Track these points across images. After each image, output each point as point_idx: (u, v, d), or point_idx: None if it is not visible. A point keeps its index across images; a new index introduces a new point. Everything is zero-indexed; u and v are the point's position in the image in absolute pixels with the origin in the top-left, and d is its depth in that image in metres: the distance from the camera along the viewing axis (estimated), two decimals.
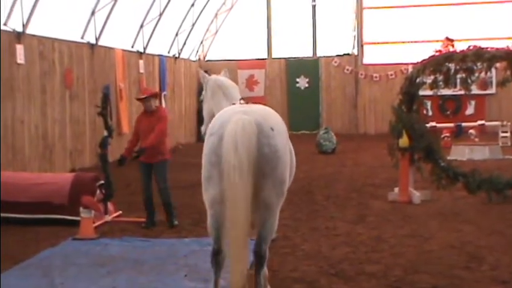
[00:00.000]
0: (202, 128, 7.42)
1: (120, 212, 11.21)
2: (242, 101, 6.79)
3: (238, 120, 5.76)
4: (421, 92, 12.61)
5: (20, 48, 14.35)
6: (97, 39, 18.28)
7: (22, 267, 8.29)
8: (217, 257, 6.10)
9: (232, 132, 5.68)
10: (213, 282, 6.23)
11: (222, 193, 5.73)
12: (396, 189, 12.41)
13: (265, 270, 6.29)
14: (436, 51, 12.14)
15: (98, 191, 10.80)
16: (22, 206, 10.83)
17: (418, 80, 12.25)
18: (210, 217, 6.01)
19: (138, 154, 10.38)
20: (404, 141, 12.07)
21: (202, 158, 6.05)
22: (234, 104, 6.63)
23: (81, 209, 9.90)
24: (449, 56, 11.92)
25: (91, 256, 8.74)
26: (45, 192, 10.92)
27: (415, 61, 12.90)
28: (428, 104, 13.07)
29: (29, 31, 14.69)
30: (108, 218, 10.92)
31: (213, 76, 7.40)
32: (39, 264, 8.39)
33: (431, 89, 12.31)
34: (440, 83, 12.11)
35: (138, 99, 10.82)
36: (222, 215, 5.83)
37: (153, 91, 10.81)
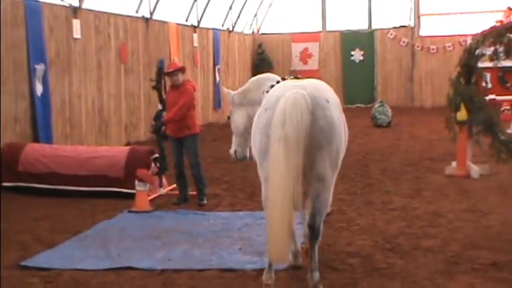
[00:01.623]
0: (232, 150, 8.14)
1: (174, 185, 11.28)
2: (289, 76, 6.90)
3: (290, 94, 5.80)
4: (480, 64, 12.32)
5: (76, 23, 14.47)
6: (151, 14, 18.34)
7: (80, 238, 8.43)
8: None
9: (282, 106, 5.73)
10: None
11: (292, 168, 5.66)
12: (454, 163, 12.21)
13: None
14: (497, 22, 11.84)
15: (153, 165, 10.87)
16: (79, 179, 11.01)
17: (477, 52, 11.96)
18: (265, 191, 6.08)
19: (154, 129, 10.40)
20: (462, 114, 11.84)
21: (257, 133, 6.18)
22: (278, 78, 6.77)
23: (136, 182, 9.98)
24: (511, 27, 11.61)
25: (146, 228, 8.82)
26: (101, 165, 11.06)
27: (474, 32, 12.61)
28: (488, 76, 12.78)
29: (85, 6, 14.80)
30: (163, 191, 11.00)
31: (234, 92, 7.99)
32: (97, 235, 8.51)
33: (491, 60, 12.00)
34: (501, 54, 11.80)
35: (166, 74, 10.74)
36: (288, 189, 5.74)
37: (179, 65, 10.73)
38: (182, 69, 10.55)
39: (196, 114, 10.78)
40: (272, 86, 7.03)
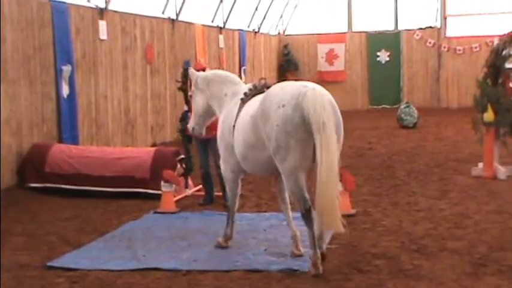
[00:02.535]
0: (190, 125, 8.65)
1: (200, 186, 11.30)
2: (263, 80, 7.78)
3: (314, 89, 6.71)
4: (507, 65, 12.21)
5: (102, 25, 14.57)
6: (177, 15, 18.42)
7: (106, 239, 8.47)
8: (310, 214, 6.76)
9: (316, 97, 6.60)
10: (312, 238, 6.79)
11: (304, 157, 6.66)
12: (480, 165, 12.11)
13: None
14: None
15: (179, 166, 10.90)
16: (106, 179, 11.07)
17: (504, 53, 11.88)
18: (293, 184, 6.78)
19: (180, 129, 10.40)
20: (489, 115, 11.75)
21: (271, 131, 6.74)
22: (254, 84, 7.72)
23: (162, 183, 10.01)
24: None
25: (172, 229, 8.85)
26: (127, 166, 11.12)
27: (500, 33, 12.52)
28: None
29: (111, 7, 14.89)
30: (188, 192, 11.03)
31: (202, 73, 8.44)
32: (122, 236, 8.55)
33: None
34: None
35: None
36: (302, 179, 6.78)
37: (204, 66, 10.72)
38: (204, 70, 10.53)
39: None
40: (245, 94, 7.60)
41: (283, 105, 6.67)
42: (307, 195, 6.81)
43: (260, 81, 7.80)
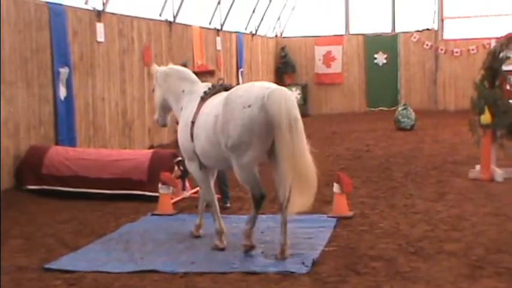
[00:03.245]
0: (155, 117, 9.18)
1: (197, 188, 11.29)
2: (221, 80, 8.61)
3: (278, 89, 7.30)
4: (505, 67, 12.23)
5: (100, 27, 14.57)
6: (175, 17, 18.42)
7: (103, 241, 8.47)
8: (263, 200, 7.60)
9: (281, 96, 7.17)
10: (253, 222, 7.65)
11: (261, 152, 7.38)
12: (478, 167, 12.13)
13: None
14: None
15: (176, 168, 10.90)
16: (103, 182, 11.08)
17: (501, 55, 11.90)
18: (249, 173, 7.47)
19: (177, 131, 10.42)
20: (486, 117, 11.77)
21: (235, 129, 7.27)
22: (213, 83, 8.34)
23: (159, 185, 10.02)
24: None
25: (169, 231, 8.85)
26: (125, 168, 11.13)
27: (498, 35, 12.54)
28: None
29: (108, 9, 14.89)
30: (186, 194, 11.04)
31: (162, 67, 8.90)
32: (120, 238, 8.55)
33: None
34: None
35: (195, 74, 10.71)
36: (256, 169, 7.52)
37: (208, 68, 10.76)
38: (211, 72, 10.54)
39: None
40: (205, 93, 8.12)
41: (249, 106, 7.23)
42: (261, 182, 7.52)
43: (218, 82, 8.47)
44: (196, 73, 10.51)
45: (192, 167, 8.34)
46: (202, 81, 10.25)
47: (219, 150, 7.60)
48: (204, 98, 8.07)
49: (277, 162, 7.28)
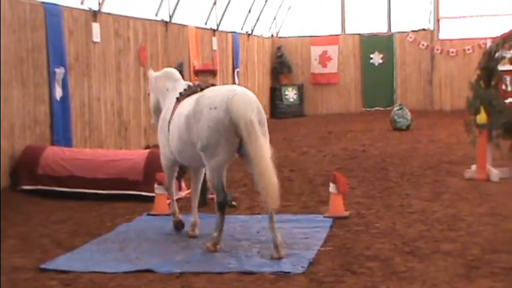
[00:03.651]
0: (152, 121, 9.45)
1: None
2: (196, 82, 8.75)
3: (242, 92, 7.63)
4: (500, 67, 12.25)
5: (96, 27, 14.54)
6: (171, 17, 18.40)
7: (99, 241, 8.46)
8: (225, 206, 7.84)
9: (244, 99, 7.50)
10: (221, 226, 7.81)
11: (229, 154, 7.63)
12: (473, 167, 12.14)
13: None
14: None
15: None
16: (99, 182, 11.07)
17: (497, 55, 11.92)
18: (216, 177, 7.72)
19: None
20: (482, 117, 11.78)
21: (202, 130, 7.57)
22: (189, 84, 8.66)
23: (155, 185, 10.00)
24: None
25: (165, 231, 8.85)
26: (120, 168, 11.13)
27: (493, 35, 12.55)
28: (508, 79, 12.70)
29: (104, 10, 14.87)
30: (181, 194, 11.02)
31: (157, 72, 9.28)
32: (115, 238, 8.55)
33: (511, 63, 11.96)
34: None
35: (195, 72, 10.74)
36: (224, 173, 7.78)
37: (212, 67, 10.75)
38: (213, 72, 10.51)
39: None
40: (181, 93, 8.44)
41: (215, 108, 7.51)
42: (225, 188, 7.78)
43: (194, 82, 8.65)
44: (197, 71, 10.54)
45: (164, 162, 8.78)
46: (202, 82, 10.26)
47: (192, 149, 7.91)
48: (180, 98, 8.39)
49: (247, 161, 7.61)
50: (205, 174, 10.33)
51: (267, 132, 7.82)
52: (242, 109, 7.40)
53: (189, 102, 8.05)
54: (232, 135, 7.49)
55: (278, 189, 7.36)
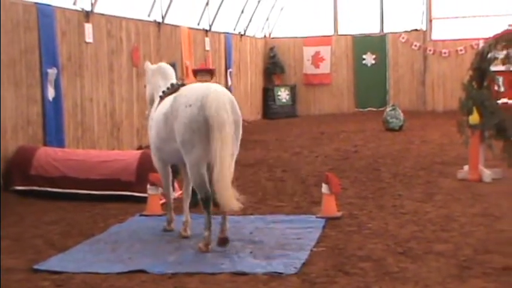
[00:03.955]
0: (147, 112, 9.44)
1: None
2: (180, 81, 8.86)
3: (216, 91, 7.72)
4: (493, 68, 12.27)
5: (88, 27, 14.52)
6: (163, 18, 18.39)
7: (92, 242, 8.45)
8: (209, 201, 7.87)
9: (218, 98, 7.60)
10: (209, 224, 7.88)
11: (206, 151, 7.65)
12: (466, 167, 12.17)
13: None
14: (510, 25, 11.81)
15: None
16: (91, 182, 11.05)
17: (489, 55, 11.94)
18: (195, 174, 7.84)
19: None
20: (474, 118, 11.81)
21: (179, 127, 7.75)
22: (172, 83, 8.70)
23: (148, 186, 10.00)
24: None
25: (158, 232, 8.84)
26: (113, 169, 11.11)
27: (486, 36, 12.57)
28: (500, 79, 12.76)
29: (97, 10, 14.85)
30: (174, 195, 10.99)
31: (154, 65, 9.36)
32: (108, 239, 8.54)
33: (504, 64, 12.00)
34: None
35: (193, 71, 10.78)
36: (204, 169, 7.81)
37: (210, 67, 10.79)
38: (211, 72, 10.58)
39: None
40: (163, 92, 8.61)
41: (190, 105, 7.69)
42: (207, 184, 7.83)
43: (178, 81, 8.80)
44: (195, 71, 10.58)
45: (154, 160, 8.87)
46: (199, 80, 10.28)
47: (170, 146, 8.16)
48: (162, 97, 8.57)
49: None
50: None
51: (240, 133, 8.00)
52: (215, 107, 7.53)
53: (168, 101, 8.24)
54: (206, 132, 7.62)
55: (231, 193, 7.46)
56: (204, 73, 10.38)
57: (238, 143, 8.09)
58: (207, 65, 10.93)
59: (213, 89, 7.78)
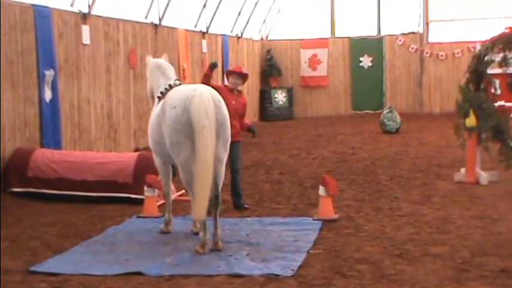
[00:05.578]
0: (151, 105, 9.34)
1: (183, 191, 11.28)
2: (178, 81, 8.77)
3: (201, 93, 7.68)
4: (489, 70, 12.29)
5: (85, 29, 14.52)
6: (160, 20, 18.39)
7: (89, 243, 8.45)
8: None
9: (201, 101, 7.58)
10: (204, 225, 7.86)
11: (192, 152, 7.59)
12: (463, 170, 12.18)
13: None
14: (507, 28, 11.83)
15: None
16: (88, 184, 11.05)
17: (486, 58, 11.95)
18: (186, 174, 7.88)
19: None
20: (471, 120, 11.82)
21: (166, 129, 7.87)
22: (170, 83, 8.62)
23: (145, 187, 10.00)
24: None
25: (155, 234, 8.84)
26: (110, 171, 11.11)
27: (483, 38, 12.58)
28: (497, 82, 12.77)
29: (94, 12, 14.85)
30: (172, 196, 10.99)
31: (155, 59, 9.28)
32: (105, 241, 8.53)
33: (501, 66, 12.01)
34: (510, 60, 11.80)
35: (229, 72, 10.49)
36: (192, 170, 7.68)
37: (243, 71, 10.57)
38: (244, 77, 10.27)
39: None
40: (161, 93, 8.59)
41: (175, 107, 7.77)
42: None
43: (175, 82, 8.70)
44: (229, 72, 10.47)
45: (155, 158, 8.93)
46: (234, 83, 10.16)
47: (162, 147, 8.23)
48: (160, 97, 8.57)
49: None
50: (238, 171, 10.40)
51: (227, 133, 8.01)
52: (197, 109, 7.56)
53: (161, 102, 8.33)
54: (191, 134, 7.62)
55: (205, 202, 7.47)
56: (237, 76, 10.20)
57: (227, 145, 8.08)
58: (240, 68, 10.74)
59: (199, 92, 7.75)
